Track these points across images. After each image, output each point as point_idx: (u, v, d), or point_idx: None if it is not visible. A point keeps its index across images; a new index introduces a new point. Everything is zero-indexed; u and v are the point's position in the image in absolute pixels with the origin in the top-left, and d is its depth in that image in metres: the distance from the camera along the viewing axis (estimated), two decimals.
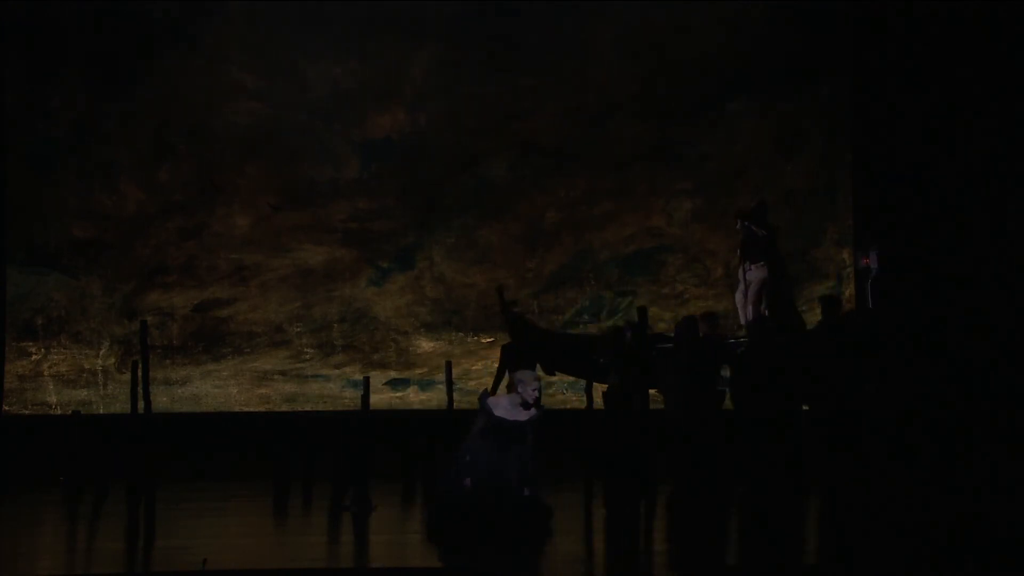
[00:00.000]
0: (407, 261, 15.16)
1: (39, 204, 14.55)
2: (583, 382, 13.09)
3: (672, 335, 12.21)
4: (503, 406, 8.42)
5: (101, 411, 14.06)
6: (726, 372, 11.84)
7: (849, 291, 15.08)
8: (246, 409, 14.52)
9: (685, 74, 15.31)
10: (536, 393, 8.44)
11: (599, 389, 12.28)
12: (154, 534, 8.45)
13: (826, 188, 15.41)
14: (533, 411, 8.43)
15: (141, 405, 9.36)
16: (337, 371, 14.80)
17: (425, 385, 14.36)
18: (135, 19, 14.63)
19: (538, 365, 8.60)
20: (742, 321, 13.38)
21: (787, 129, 15.44)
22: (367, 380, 12.32)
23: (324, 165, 15.11)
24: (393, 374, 14.86)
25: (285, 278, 15.00)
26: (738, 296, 13.53)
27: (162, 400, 13.39)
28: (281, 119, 15.02)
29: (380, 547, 8.29)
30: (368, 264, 15.12)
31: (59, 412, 14.02)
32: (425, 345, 14.89)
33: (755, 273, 13.24)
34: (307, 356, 14.89)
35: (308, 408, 14.58)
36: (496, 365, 14.15)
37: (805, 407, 11.55)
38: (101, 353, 14.52)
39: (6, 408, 14.04)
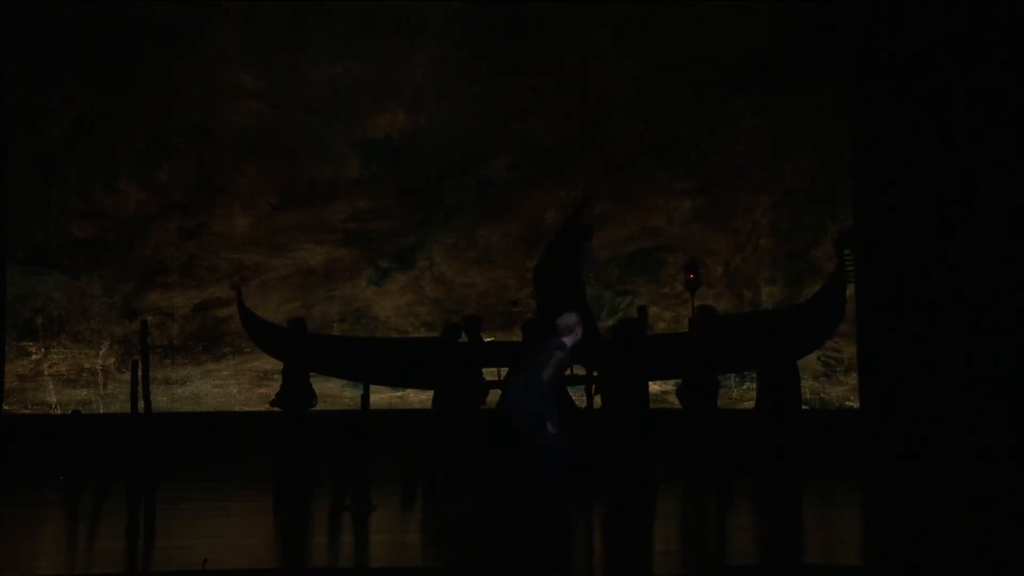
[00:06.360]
0: (407, 261, 15.17)
1: (39, 204, 14.56)
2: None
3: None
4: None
5: (101, 411, 14.08)
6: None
7: (849, 291, 15.08)
8: (246, 409, 14.53)
9: (685, 74, 15.33)
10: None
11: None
12: (154, 534, 8.43)
13: (826, 188, 15.41)
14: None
15: (141, 405, 9.34)
16: None
17: None
18: (135, 19, 14.64)
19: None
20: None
21: (787, 129, 15.45)
22: None
23: (324, 165, 15.12)
24: None
25: (285, 278, 15.00)
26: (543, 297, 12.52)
27: (162, 400, 13.38)
28: (281, 119, 15.04)
29: (380, 547, 8.28)
30: (368, 264, 15.13)
31: (59, 412, 14.03)
32: None
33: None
34: None
35: None
36: None
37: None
38: (101, 353, 14.52)
39: (6, 408, 14.03)
